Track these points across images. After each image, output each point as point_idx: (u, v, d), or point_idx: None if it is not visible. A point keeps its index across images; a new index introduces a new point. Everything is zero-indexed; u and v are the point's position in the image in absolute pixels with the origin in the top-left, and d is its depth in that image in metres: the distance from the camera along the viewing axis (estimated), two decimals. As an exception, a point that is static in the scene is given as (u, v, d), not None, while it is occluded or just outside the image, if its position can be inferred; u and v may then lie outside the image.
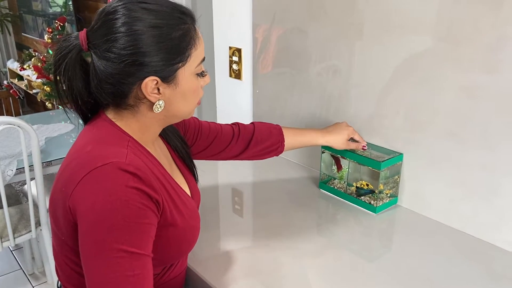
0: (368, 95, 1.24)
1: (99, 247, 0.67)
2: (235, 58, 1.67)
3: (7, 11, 4.55)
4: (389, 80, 1.18)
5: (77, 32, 0.75)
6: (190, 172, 0.99)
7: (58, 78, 0.77)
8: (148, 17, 0.72)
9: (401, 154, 1.18)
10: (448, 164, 1.10)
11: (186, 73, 0.77)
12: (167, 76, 0.75)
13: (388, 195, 1.21)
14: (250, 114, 1.69)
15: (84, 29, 0.75)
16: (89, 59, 0.76)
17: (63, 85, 0.77)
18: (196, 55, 0.78)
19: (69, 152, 0.78)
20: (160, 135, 0.93)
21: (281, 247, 1.05)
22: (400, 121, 1.18)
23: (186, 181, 0.94)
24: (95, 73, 0.74)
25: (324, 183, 1.31)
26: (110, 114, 0.80)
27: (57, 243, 0.79)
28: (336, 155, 1.26)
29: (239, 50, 1.65)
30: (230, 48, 1.69)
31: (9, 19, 4.48)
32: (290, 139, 1.16)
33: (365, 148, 1.20)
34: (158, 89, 0.75)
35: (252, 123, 1.16)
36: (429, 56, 1.08)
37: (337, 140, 1.17)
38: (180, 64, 0.75)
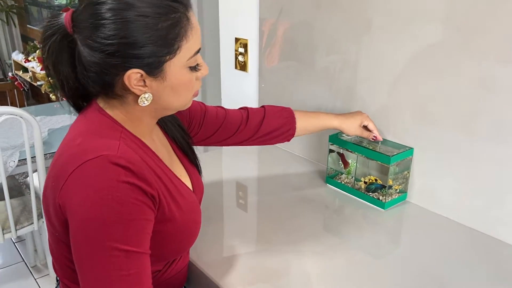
0: (377, 88, 1.20)
1: (91, 246, 0.64)
2: (241, 50, 1.64)
3: (13, 2, 4.53)
4: (399, 72, 1.14)
5: (63, 13, 0.70)
6: (193, 164, 0.94)
7: (45, 62, 0.72)
8: (136, 3, 0.66)
9: (411, 148, 1.15)
10: (460, 158, 1.06)
11: (175, 66, 0.71)
12: (153, 69, 0.69)
13: (397, 190, 1.18)
14: (255, 106, 1.65)
15: (70, 10, 0.69)
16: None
17: (50, 69, 0.72)
18: (188, 47, 0.71)
19: (60, 145, 0.74)
20: (159, 124, 0.89)
21: (286, 242, 1.02)
22: (410, 114, 1.14)
23: (188, 174, 0.91)
24: (79, 59, 0.69)
25: (331, 178, 1.28)
26: (101, 103, 0.75)
27: (52, 240, 0.76)
28: (341, 152, 1.23)
29: (245, 41, 1.61)
30: (236, 39, 1.65)
31: (14, 10, 4.47)
32: (302, 121, 1.12)
33: (374, 138, 1.16)
34: (144, 82, 0.70)
35: (262, 106, 1.13)
36: (442, 46, 1.04)
37: (350, 124, 1.14)
38: (167, 57, 0.69)
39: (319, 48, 1.34)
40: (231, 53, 1.70)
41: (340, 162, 1.26)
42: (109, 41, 0.65)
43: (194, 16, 0.72)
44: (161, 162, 0.79)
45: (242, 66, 1.66)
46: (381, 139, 1.16)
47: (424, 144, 1.13)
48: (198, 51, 0.74)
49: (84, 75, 0.70)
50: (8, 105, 4.15)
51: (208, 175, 1.42)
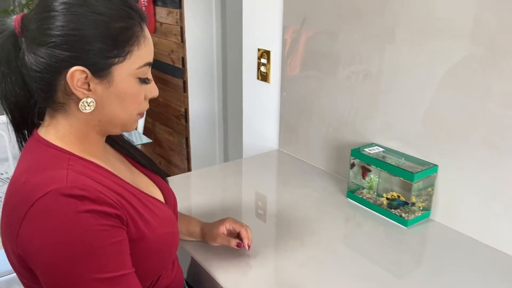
0: (401, 101, 1.18)
1: (70, 285, 0.60)
2: (263, 61, 1.64)
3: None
4: (423, 85, 1.12)
5: (15, 15, 0.68)
6: (156, 173, 0.90)
7: None
8: (91, 1, 0.65)
9: (436, 165, 1.12)
10: (486, 177, 1.03)
11: (123, 72, 0.68)
12: (100, 70, 0.66)
13: (421, 208, 1.15)
14: (277, 117, 1.65)
15: (22, 13, 0.68)
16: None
17: None
18: (139, 55, 0.69)
19: (9, 183, 0.68)
20: (109, 144, 0.84)
21: (305, 256, 1.00)
22: (434, 129, 1.12)
23: (155, 184, 0.88)
24: (22, 60, 0.66)
25: (352, 192, 1.26)
26: (42, 130, 0.71)
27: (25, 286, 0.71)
28: (363, 164, 1.21)
29: (267, 52, 1.61)
30: (258, 50, 1.66)
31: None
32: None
33: (239, 246, 0.95)
34: (89, 85, 0.67)
35: None
36: (468, 62, 1.02)
37: (209, 230, 0.99)
38: (116, 60, 0.67)
39: (341, 58, 1.33)
40: (254, 64, 1.70)
41: (361, 176, 1.24)
42: (57, 32, 0.63)
43: (147, 30, 0.72)
44: (120, 180, 0.74)
45: (264, 77, 1.66)
46: (248, 250, 0.96)
47: (449, 161, 1.10)
48: (149, 65, 0.72)
49: (28, 78, 0.67)
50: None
51: (228, 184, 1.42)
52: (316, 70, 1.43)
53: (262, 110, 1.73)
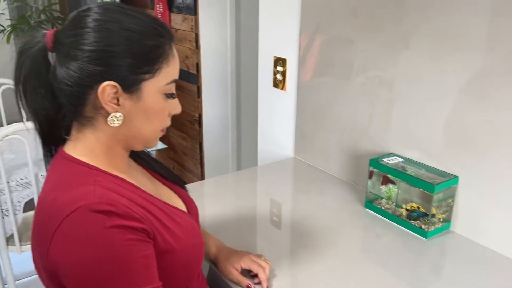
0: (420, 111, 1.17)
1: None
2: (279, 68, 1.64)
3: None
4: (444, 95, 1.11)
5: (45, 31, 0.69)
6: (176, 184, 0.91)
7: (16, 74, 0.69)
8: (123, 19, 0.67)
9: (457, 177, 1.11)
10: (508, 190, 1.02)
11: (152, 88, 0.70)
12: (130, 85, 0.68)
13: (441, 219, 1.13)
14: (292, 124, 1.64)
15: (55, 29, 0.69)
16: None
17: (20, 83, 0.69)
18: (167, 72, 0.71)
19: (37, 202, 0.70)
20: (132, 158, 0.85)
21: (322, 268, 0.99)
22: (455, 140, 1.10)
23: (177, 194, 0.88)
24: (54, 75, 0.68)
25: (371, 202, 1.25)
26: (69, 146, 0.73)
27: None
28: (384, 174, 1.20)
29: (283, 60, 1.61)
30: (274, 57, 1.66)
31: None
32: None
33: (249, 286, 0.91)
34: (118, 100, 0.68)
35: None
36: (490, 72, 1.00)
37: (224, 260, 0.95)
38: (146, 76, 0.69)
39: (355, 65, 1.32)
40: (270, 72, 1.70)
41: (380, 186, 1.23)
42: (90, 48, 0.65)
43: (175, 48, 0.73)
44: (145, 193, 0.75)
45: (280, 84, 1.66)
46: None
47: (470, 173, 1.09)
48: (175, 81, 0.74)
49: (58, 90, 0.68)
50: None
51: (242, 191, 1.42)
52: (331, 76, 1.42)
53: (277, 118, 1.73)
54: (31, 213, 1.91)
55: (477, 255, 1.06)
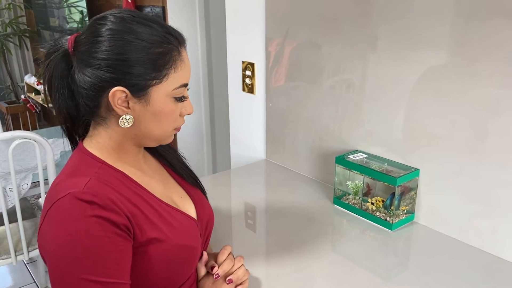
0: (383, 109, 1.22)
1: (66, 281, 0.65)
2: (248, 73, 1.68)
3: (25, 27, 4.65)
4: (404, 94, 1.16)
5: (69, 36, 0.75)
6: (194, 186, 0.93)
7: (42, 75, 0.76)
8: (135, 28, 0.72)
9: (418, 169, 1.16)
10: (466, 179, 1.07)
11: (160, 92, 0.74)
12: (138, 91, 0.73)
13: (405, 211, 1.18)
14: (263, 128, 1.68)
15: (77, 33, 0.75)
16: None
17: (46, 83, 0.76)
18: (175, 77, 0.75)
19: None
20: (151, 152, 0.90)
21: (294, 264, 1.03)
22: (415, 135, 1.16)
23: (190, 196, 0.90)
24: (73, 76, 0.73)
25: (339, 198, 1.29)
26: (87, 140, 0.79)
27: None
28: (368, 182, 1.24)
29: (252, 65, 1.65)
30: (243, 62, 1.69)
31: (27, 34, 4.58)
32: None
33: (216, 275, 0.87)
34: (128, 103, 0.74)
35: None
36: (445, 70, 1.06)
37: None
38: (154, 82, 0.73)
39: (325, 69, 1.37)
40: (239, 76, 1.74)
41: (348, 182, 1.27)
42: (103, 56, 0.70)
43: (186, 53, 0.78)
44: (142, 190, 0.78)
45: (250, 89, 1.69)
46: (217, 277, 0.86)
47: (431, 165, 1.14)
48: (185, 86, 0.78)
49: (77, 92, 0.74)
50: (20, 126, 4.23)
51: (217, 194, 1.44)
52: (301, 80, 1.47)
53: (248, 121, 1.76)
54: (14, 225, 1.89)
55: (441, 243, 1.11)
